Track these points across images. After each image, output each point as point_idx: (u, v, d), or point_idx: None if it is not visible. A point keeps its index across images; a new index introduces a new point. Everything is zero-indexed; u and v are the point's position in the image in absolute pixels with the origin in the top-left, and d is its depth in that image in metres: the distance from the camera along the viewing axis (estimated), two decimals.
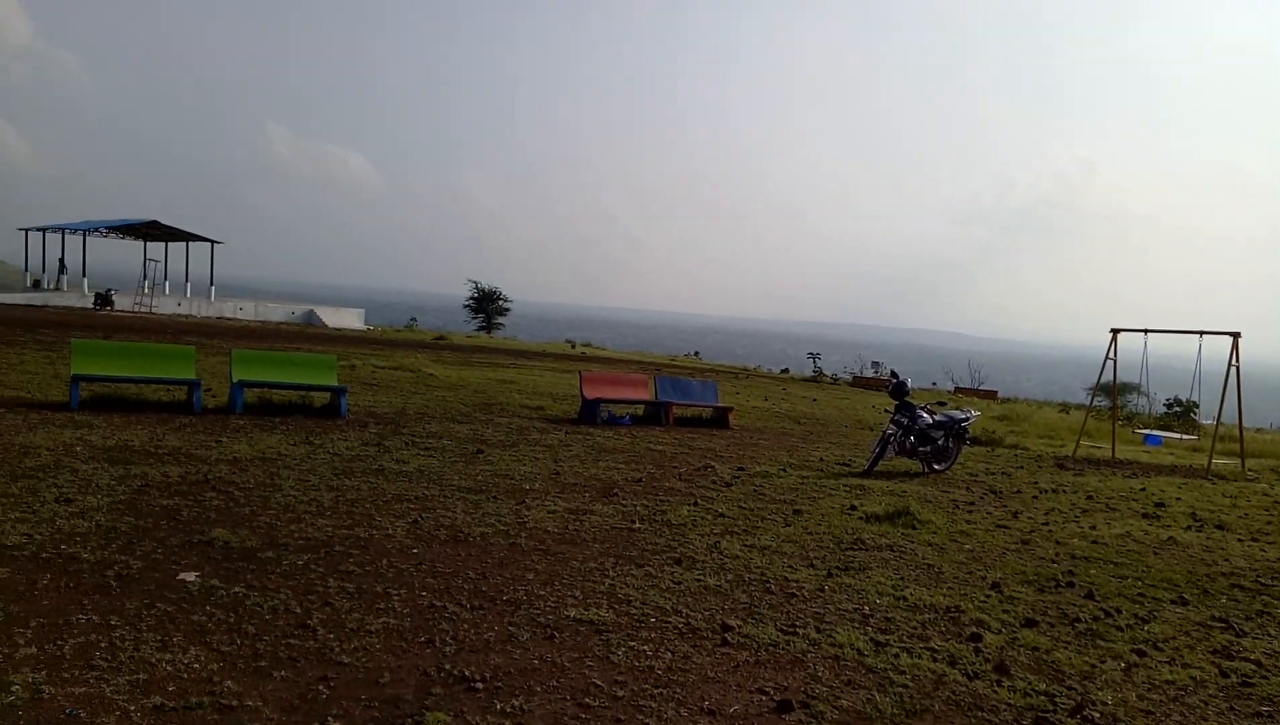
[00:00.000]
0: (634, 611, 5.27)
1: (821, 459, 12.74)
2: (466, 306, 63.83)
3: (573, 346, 46.49)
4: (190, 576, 5.16)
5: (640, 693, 4.15)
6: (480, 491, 8.31)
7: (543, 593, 5.49)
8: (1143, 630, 5.67)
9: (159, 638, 4.23)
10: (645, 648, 4.71)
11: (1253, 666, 5.14)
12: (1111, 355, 16.55)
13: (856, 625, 5.36)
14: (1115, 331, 16.47)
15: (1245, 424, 16.59)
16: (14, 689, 3.59)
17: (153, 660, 3.98)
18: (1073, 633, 5.56)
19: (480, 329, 60.78)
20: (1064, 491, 11.40)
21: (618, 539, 7.00)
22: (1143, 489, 12.04)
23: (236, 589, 5.02)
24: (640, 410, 15.76)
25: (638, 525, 7.51)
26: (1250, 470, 14.91)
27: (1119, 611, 6.04)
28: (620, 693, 4.13)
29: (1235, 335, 14.95)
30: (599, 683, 4.22)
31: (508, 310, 64.87)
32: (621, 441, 12.59)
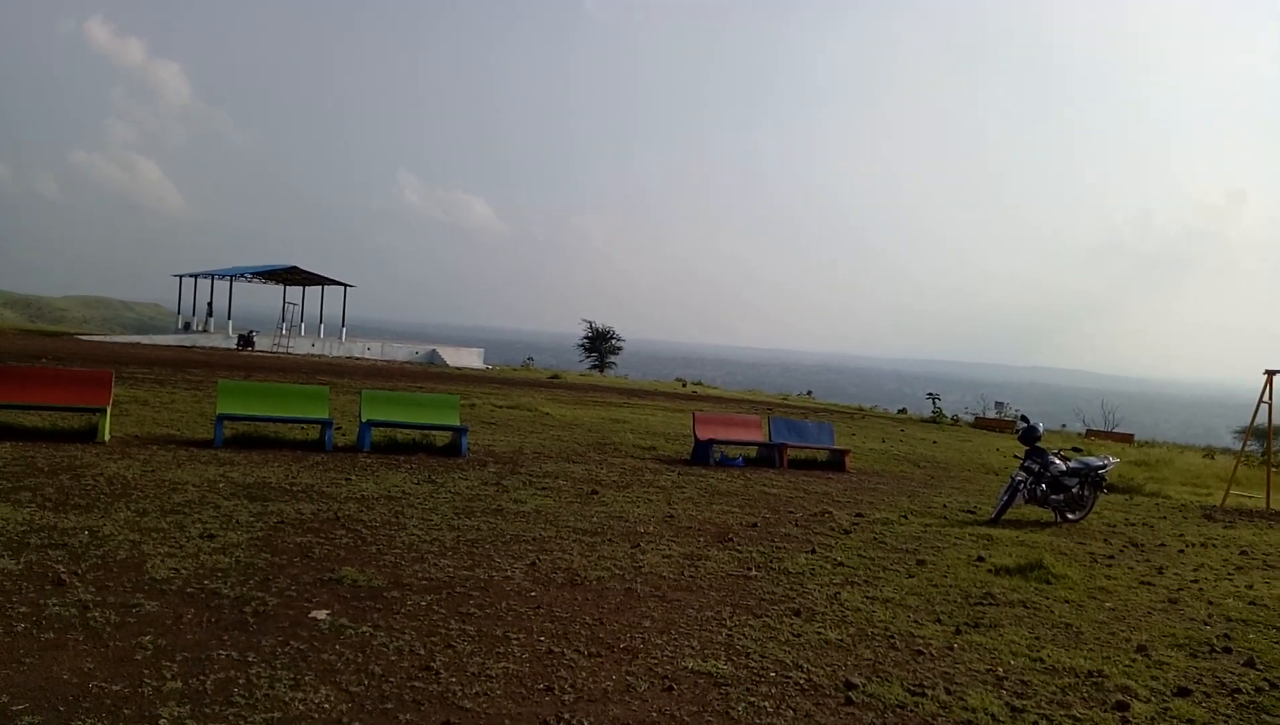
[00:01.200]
0: (753, 664, 5.14)
1: (944, 505, 12.25)
2: (580, 346, 65.00)
3: (684, 385, 46.54)
4: (321, 615, 5.35)
5: None
6: (596, 534, 8.35)
7: (659, 641, 5.43)
8: None
9: (292, 676, 4.39)
10: (766, 704, 4.58)
11: None
12: (1267, 398, 15.37)
13: (990, 688, 5.07)
14: (1270, 373, 15.31)
15: None
16: (160, 723, 3.79)
17: (286, 699, 4.12)
18: (1233, 704, 5.10)
19: (593, 368, 61.70)
20: (1214, 545, 10.58)
21: (734, 587, 6.89)
22: None
23: (364, 628, 5.17)
24: (753, 451, 15.58)
25: (754, 573, 7.37)
26: None
27: None
28: None
29: None
30: None
31: (620, 349, 65.70)
32: (735, 484, 12.45)
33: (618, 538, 8.26)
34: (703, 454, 14.59)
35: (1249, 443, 21.25)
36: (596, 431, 17.74)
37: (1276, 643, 6.46)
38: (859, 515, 10.69)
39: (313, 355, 42.16)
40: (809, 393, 53.63)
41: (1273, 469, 16.23)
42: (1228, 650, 6.17)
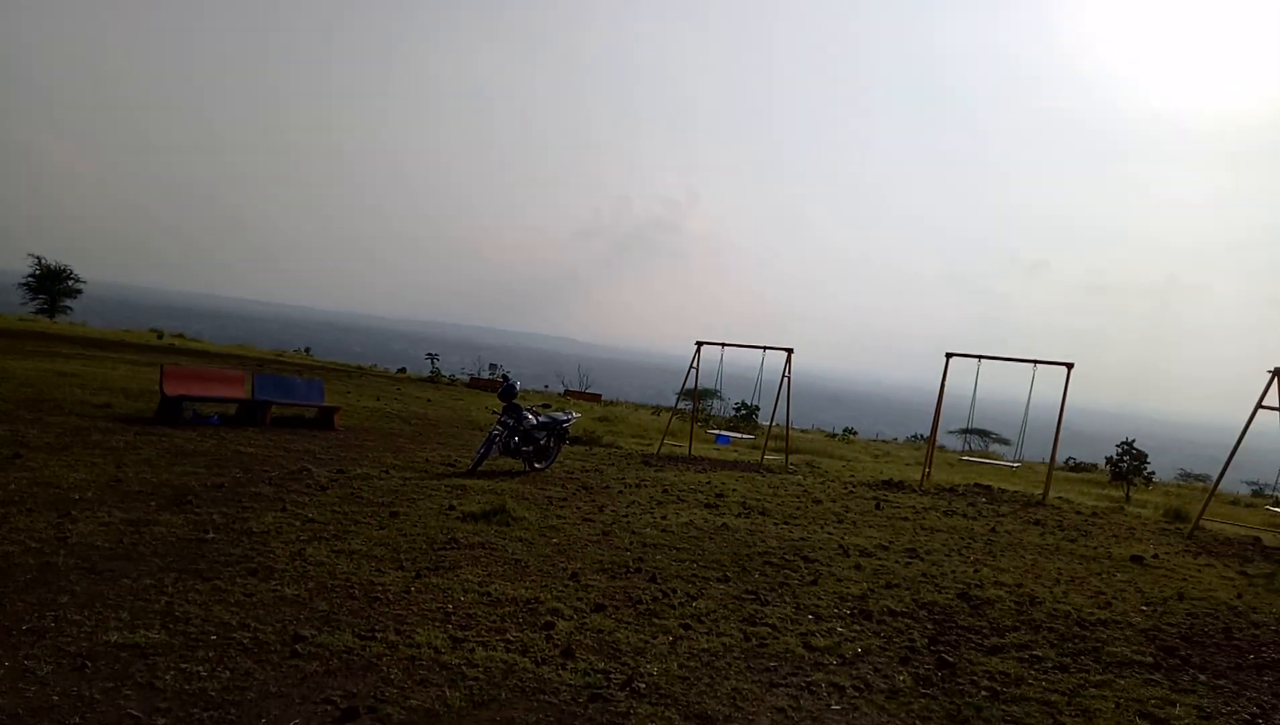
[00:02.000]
0: (192, 630, 4.83)
1: (427, 460, 12.70)
2: (24, 285, 53.75)
3: (159, 336, 41.31)
4: None
5: (186, 718, 3.82)
6: (9, 504, 7.06)
7: (78, 617, 4.81)
8: (690, 607, 6.45)
9: None
10: (200, 668, 4.34)
11: (769, 630, 6.09)
12: (695, 364, 18.61)
13: (437, 624, 5.42)
14: (699, 344, 18.55)
15: (794, 425, 19.59)
16: None
17: None
18: (634, 613, 6.14)
19: (41, 312, 51.58)
20: (645, 486, 12.57)
21: (184, 551, 6.36)
22: (708, 482, 13.69)
23: None
24: (233, 409, 14.49)
25: (211, 535, 6.89)
26: (792, 464, 17.65)
27: (675, 592, 6.81)
28: (161, 721, 3.76)
29: (789, 351, 17.62)
30: (135, 713, 3.80)
31: (79, 292, 55.80)
32: (206, 443, 11.46)
33: (41, 507, 7.09)
34: (171, 412, 13.16)
35: (682, 401, 25.56)
36: (33, 386, 14.92)
37: (674, 561, 7.91)
38: (340, 472, 10.58)
39: None
40: (307, 349, 51.30)
41: (697, 423, 19.76)
42: (639, 570, 7.40)
